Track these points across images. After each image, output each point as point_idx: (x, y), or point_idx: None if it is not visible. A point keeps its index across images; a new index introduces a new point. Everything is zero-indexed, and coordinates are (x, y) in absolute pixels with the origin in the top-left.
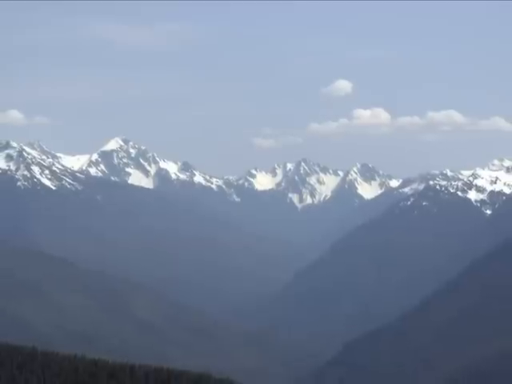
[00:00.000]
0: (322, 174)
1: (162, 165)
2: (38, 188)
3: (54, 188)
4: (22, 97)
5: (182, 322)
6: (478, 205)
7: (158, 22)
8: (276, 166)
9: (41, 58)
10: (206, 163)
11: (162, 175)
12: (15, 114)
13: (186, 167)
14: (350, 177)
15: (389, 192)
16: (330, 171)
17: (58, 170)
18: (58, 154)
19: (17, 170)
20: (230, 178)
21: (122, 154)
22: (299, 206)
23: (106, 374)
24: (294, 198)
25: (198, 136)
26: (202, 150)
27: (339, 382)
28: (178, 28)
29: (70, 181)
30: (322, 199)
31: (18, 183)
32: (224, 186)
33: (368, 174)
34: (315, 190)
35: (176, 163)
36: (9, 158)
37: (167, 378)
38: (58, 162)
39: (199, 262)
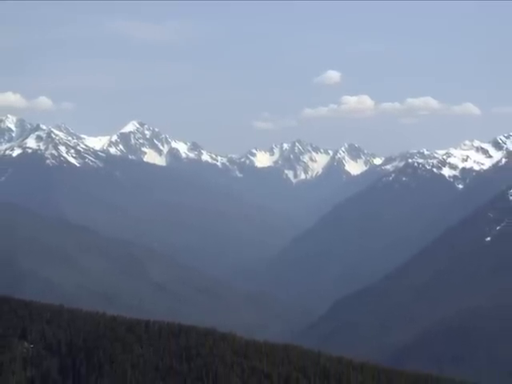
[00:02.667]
0: (314, 153)
1: (174, 145)
2: (65, 165)
3: (78, 165)
4: (50, 85)
5: (190, 284)
6: (451, 180)
7: (168, 19)
8: (273, 146)
9: (67, 50)
10: (212, 143)
11: (174, 154)
12: (44, 100)
13: (194, 147)
14: (338, 155)
15: (373, 169)
16: (321, 150)
17: (81, 150)
18: (82, 136)
19: (46, 149)
20: (233, 156)
21: (138, 135)
22: (294, 181)
23: (124, 329)
24: (290, 174)
25: (205, 119)
26: (209, 131)
27: (330, 334)
28: (185, 24)
29: (92, 159)
30: (314, 175)
31: (47, 161)
32: (228, 164)
33: (354, 153)
34: (308, 167)
35: (186, 143)
36: (39, 138)
37: (178, 332)
38: (82, 143)
39: (206, 231)
